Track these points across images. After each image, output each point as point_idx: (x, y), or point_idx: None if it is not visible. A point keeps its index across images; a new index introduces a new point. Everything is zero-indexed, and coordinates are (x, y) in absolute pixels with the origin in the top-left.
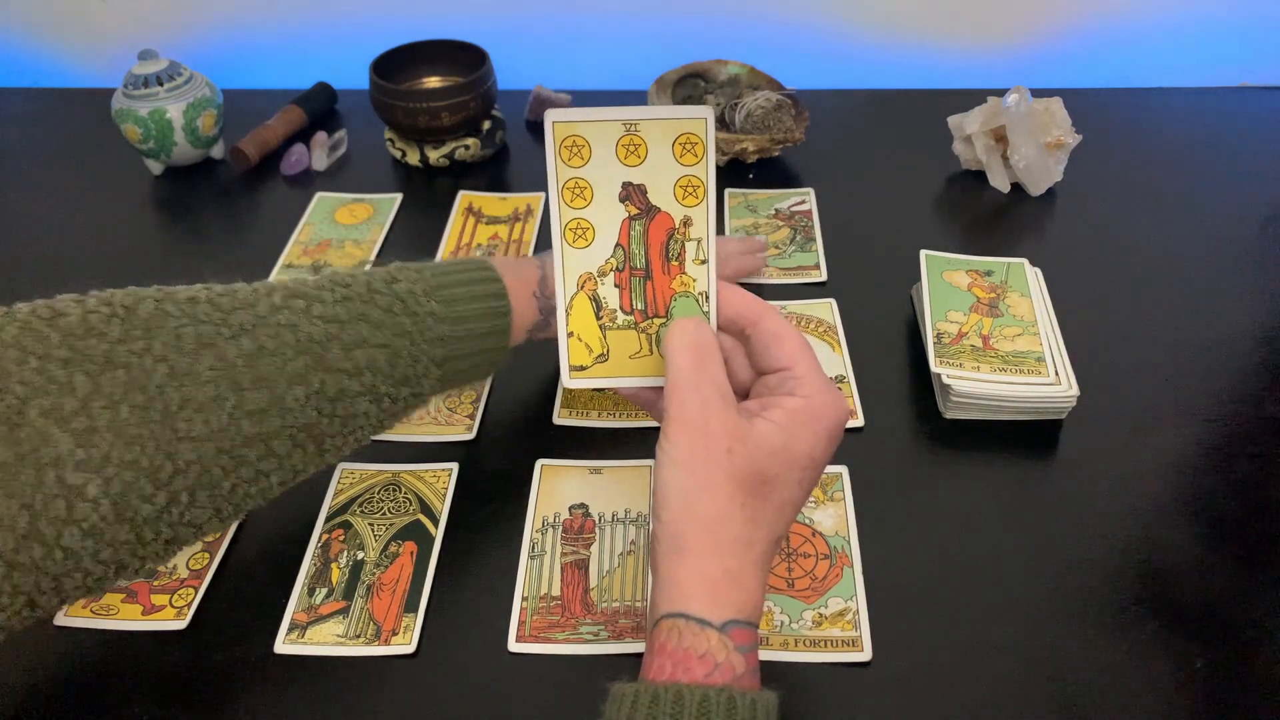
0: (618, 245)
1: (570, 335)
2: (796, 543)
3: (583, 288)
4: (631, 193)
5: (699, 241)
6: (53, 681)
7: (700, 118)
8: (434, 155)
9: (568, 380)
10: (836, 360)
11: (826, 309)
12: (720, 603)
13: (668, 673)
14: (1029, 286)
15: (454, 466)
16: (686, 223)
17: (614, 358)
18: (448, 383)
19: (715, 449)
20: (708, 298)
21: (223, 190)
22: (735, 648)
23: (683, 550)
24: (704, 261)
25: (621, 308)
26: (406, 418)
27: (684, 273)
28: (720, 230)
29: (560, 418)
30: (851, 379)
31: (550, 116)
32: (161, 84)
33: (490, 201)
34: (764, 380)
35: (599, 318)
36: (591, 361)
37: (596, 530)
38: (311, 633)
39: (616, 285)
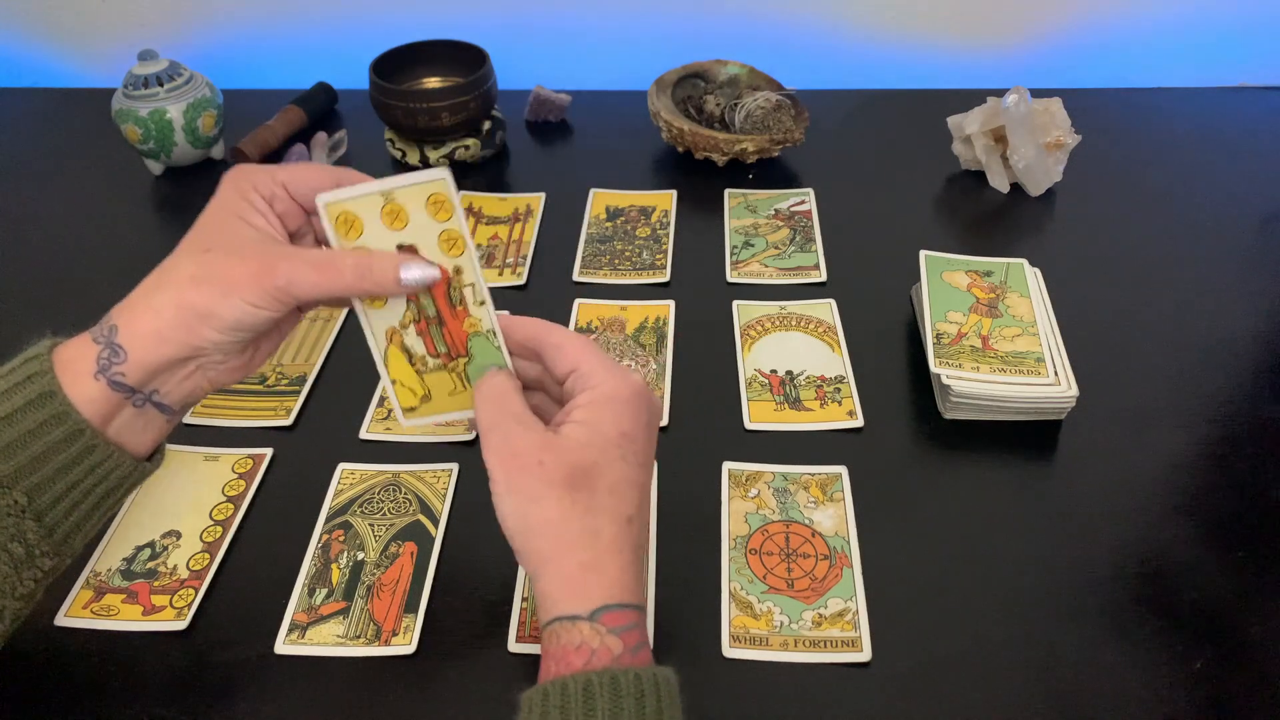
0: (408, 300)
1: (394, 383)
2: (796, 543)
3: (391, 340)
4: (405, 253)
5: (473, 286)
6: (53, 681)
7: (440, 178)
8: (434, 156)
9: (403, 421)
10: (836, 360)
11: (826, 309)
12: (583, 594)
13: (552, 672)
14: (1028, 287)
15: (454, 466)
16: (457, 272)
17: (436, 397)
18: (57, 526)
19: (528, 466)
20: (495, 333)
21: None
22: (609, 630)
23: (540, 563)
24: (483, 303)
25: (428, 353)
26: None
27: (470, 315)
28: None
29: None
30: (851, 379)
31: (320, 200)
32: (161, 84)
33: (490, 202)
34: (564, 388)
35: (413, 364)
36: (418, 402)
37: None
38: (311, 633)
39: (419, 334)
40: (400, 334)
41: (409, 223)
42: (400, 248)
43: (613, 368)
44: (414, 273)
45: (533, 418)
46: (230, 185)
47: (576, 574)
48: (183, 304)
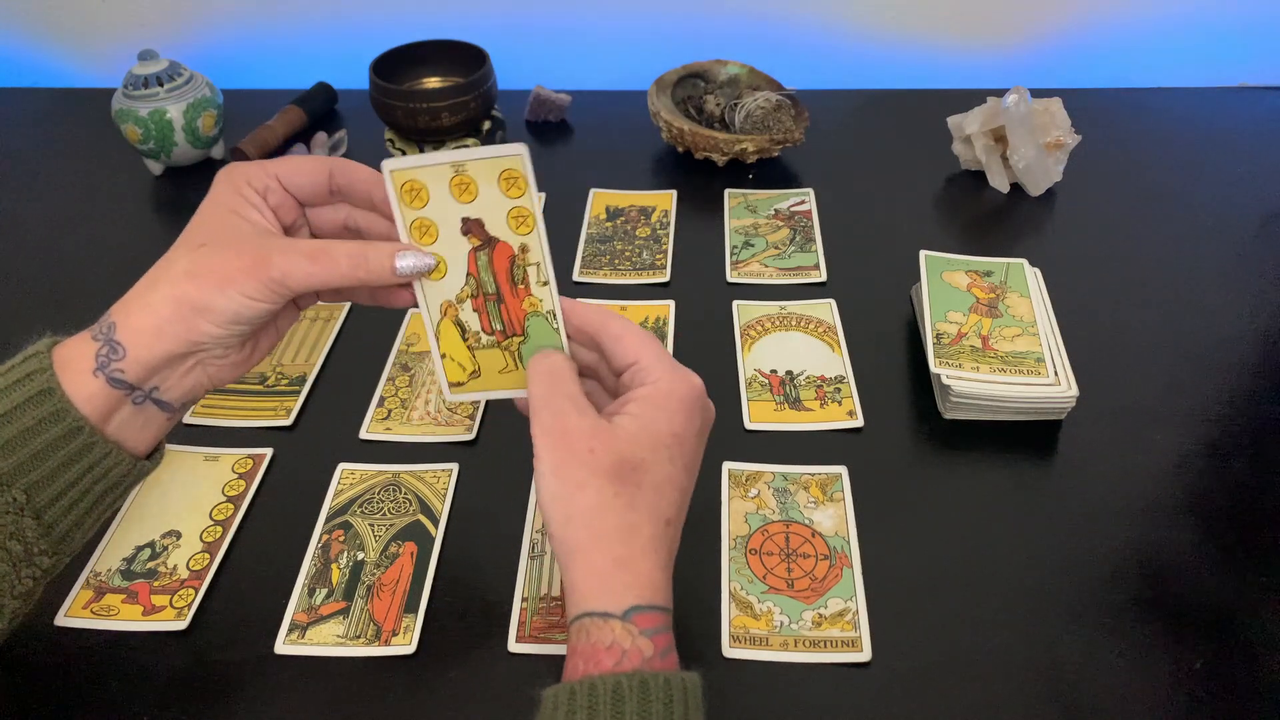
0: (468, 275)
1: (444, 357)
2: (796, 543)
3: (445, 314)
4: (471, 226)
5: (537, 265)
6: (53, 681)
7: (517, 154)
8: None
9: (448, 395)
10: (836, 360)
11: (826, 309)
12: (616, 592)
13: (580, 670)
14: (1028, 287)
15: (454, 466)
16: (523, 250)
17: (485, 374)
18: (56, 525)
19: (578, 451)
20: (555, 315)
21: None
22: (640, 632)
23: (572, 552)
24: (546, 283)
25: (483, 329)
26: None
27: (531, 294)
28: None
29: None
30: (851, 379)
31: (386, 166)
32: (161, 84)
33: None
34: (621, 380)
35: (465, 339)
36: (466, 378)
37: None
38: (311, 633)
39: (475, 310)
40: (456, 308)
41: (478, 196)
42: (466, 221)
43: (673, 366)
44: (409, 261)
45: (586, 402)
46: (224, 180)
47: (608, 569)
48: (179, 299)
